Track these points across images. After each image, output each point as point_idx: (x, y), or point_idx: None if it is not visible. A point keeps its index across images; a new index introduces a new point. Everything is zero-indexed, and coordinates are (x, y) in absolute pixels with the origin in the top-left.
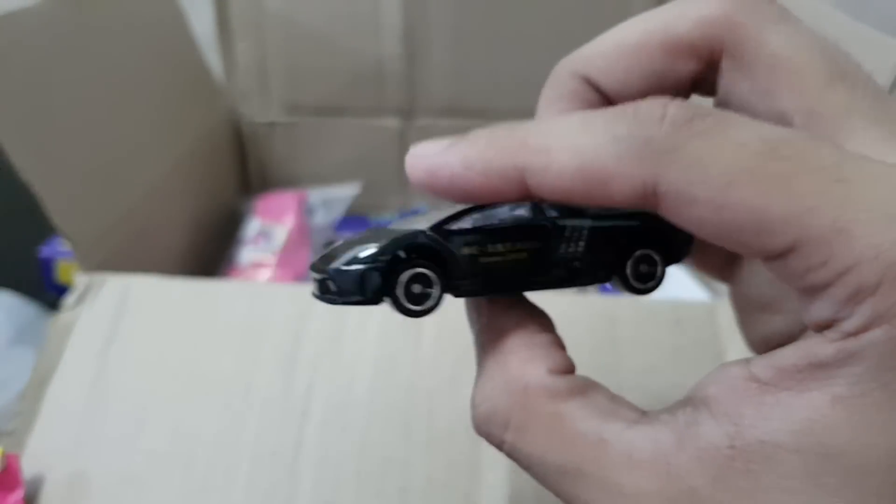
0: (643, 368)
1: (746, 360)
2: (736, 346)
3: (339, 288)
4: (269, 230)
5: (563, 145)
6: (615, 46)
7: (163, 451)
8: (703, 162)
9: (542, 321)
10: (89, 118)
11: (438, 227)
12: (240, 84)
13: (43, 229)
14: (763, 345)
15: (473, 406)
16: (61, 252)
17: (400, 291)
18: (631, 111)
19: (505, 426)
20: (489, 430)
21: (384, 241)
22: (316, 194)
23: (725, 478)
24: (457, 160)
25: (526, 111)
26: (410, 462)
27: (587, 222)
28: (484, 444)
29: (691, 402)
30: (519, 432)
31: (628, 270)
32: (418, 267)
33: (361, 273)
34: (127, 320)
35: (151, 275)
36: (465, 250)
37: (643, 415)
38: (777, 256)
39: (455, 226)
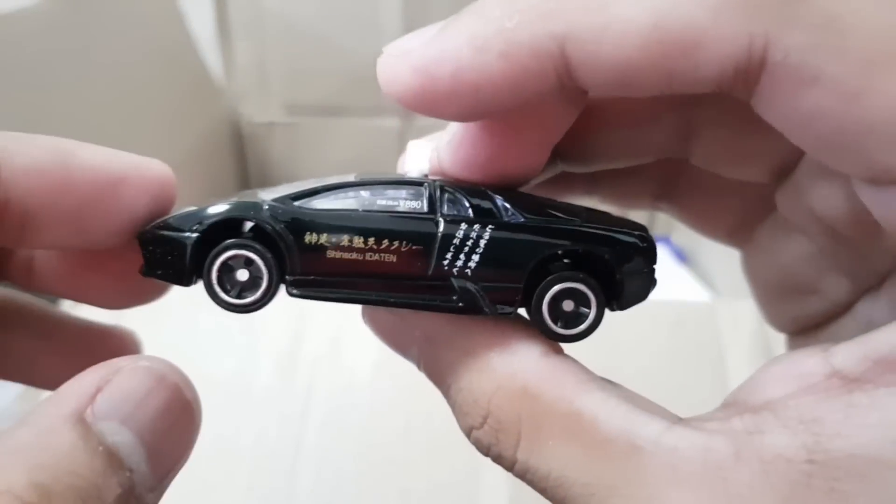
0: (643, 370)
1: (823, 351)
2: (737, 346)
3: (147, 256)
4: None
5: None
6: None
7: None
8: (841, 22)
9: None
10: (87, 118)
11: (287, 200)
12: (239, 84)
13: None
14: (791, 325)
15: (473, 428)
16: None
17: (212, 274)
18: None
19: (516, 440)
20: (499, 450)
21: (213, 208)
22: None
23: (801, 500)
24: (461, 42)
25: None
26: (410, 463)
27: (489, 225)
28: None
29: (747, 406)
30: (533, 444)
31: (544, 306)
32: (240, 248)
33: (168, 239)
34: (126, 320)
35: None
36: (310, 238)
37: (678, 418)
38: None
39: (312, 203)
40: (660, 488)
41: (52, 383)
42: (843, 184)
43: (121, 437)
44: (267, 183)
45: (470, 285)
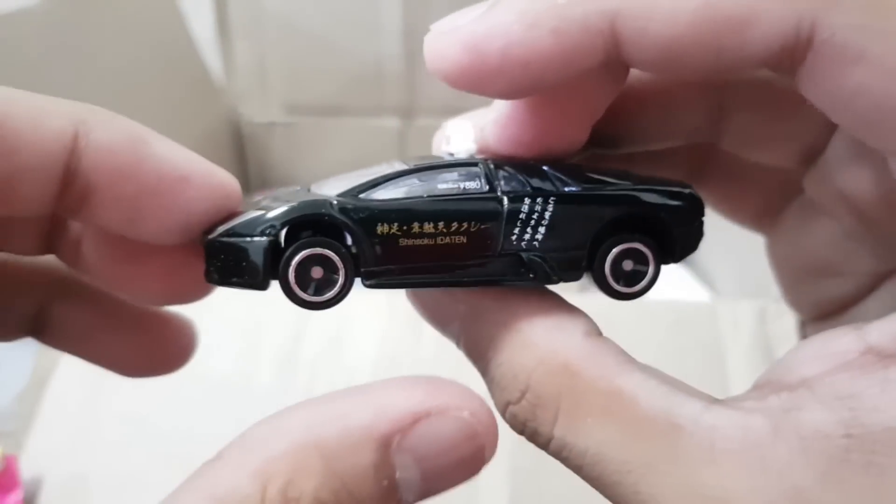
0: None
1: (856, 329)
2: (737, 346)
3: (218, 265)
4: None
5: None
6: None
7: (162, 453)
8: (886, 4)
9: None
10: None
11: (352, 195)
12: (239, 84)
13: None
14: (814, 309)
15: (510, 403)
16: None
17: (290, 275)
18: None
19: (554, 416)
20: (536, 425)
21: (278, 209)
22: None
23: (839, 474)
24: (512, 19)
25: None
26: None
27: (551, 197)
28: None
29: (783, 384)
30: (571, 421)
31: (607, 268)
32: (316, 247)
33: (239, 247)
34: None
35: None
36: (382, 229)
37: (715, 399)
38: None
39: (374, 194)
40: (698, 465)
41: (105, 360)
42: (874, 164)
43: (409, 474)
44: (267, 183)
45: (538, 256)
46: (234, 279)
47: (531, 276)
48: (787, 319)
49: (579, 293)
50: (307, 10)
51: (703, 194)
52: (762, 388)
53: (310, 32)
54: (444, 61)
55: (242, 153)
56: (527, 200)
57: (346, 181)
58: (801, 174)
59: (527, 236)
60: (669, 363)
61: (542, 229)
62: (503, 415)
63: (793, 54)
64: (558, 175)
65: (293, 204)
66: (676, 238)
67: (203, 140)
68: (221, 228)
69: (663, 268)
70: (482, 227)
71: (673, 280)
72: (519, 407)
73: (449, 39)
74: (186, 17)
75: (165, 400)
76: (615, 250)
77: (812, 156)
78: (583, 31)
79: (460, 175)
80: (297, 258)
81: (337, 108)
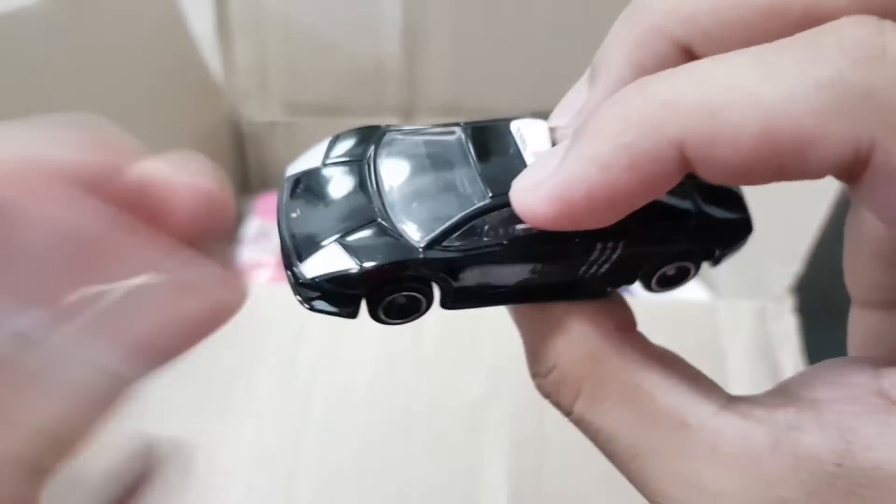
0: None
1: (874, 368)
2: (736, 347)
3: (308, 296)
4: (269, 230)
5: (736, 100)
6: (735, 7)
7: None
8: None
9: None
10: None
11: (435, 244)
12: (239, 84)
13: None
14: (868, 293)
15: (537, 375)
16: None
17: (380, 311)
18: (833, 43)
19: (575, 395)
20: (558, 398)
21: (363, 259)
22: None
23: (824, 495)
24: (587, 167)
25: (527, 112)
26: (410, 463)
27: (621, 244)
28: (484, 445)
29: (794, 400)
30: (590, 402)
31: (654, 280)
32: (406, 291)
33: (329, 292)
34: None
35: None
36: (465, 276)
37: (730, 399)
38: None
39: (455, 244)
40: (699, 462)
41: None
42: None
43: None
44: (267, 182)
45: (597, 282)
46: (326, 309)
47: (587, 294)
48: (787, 319)
49: None
50: (307, 9)
51: None
52: (778, 395)
53: (310, 32)
54: (538, 216)
55: (243, 152)
56: (598, 245)
57: (420, 213)
58: None
59: (592, 270)
60: None
61: (606, 266)
62: (533, 378)
63: (850, 172)
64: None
65: (382, 254)
66: (721, 257)
67: (203, 139)
68: (310, 257)
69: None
70: (555, 266)
71: None
72: (545, 381)
73: (534, 196)
74: (186, 16)
75: (163, 401)
76: (665, 268)
77: None
78: (655, 162)
79: None
80: (388, 298)
81: (337, 107)
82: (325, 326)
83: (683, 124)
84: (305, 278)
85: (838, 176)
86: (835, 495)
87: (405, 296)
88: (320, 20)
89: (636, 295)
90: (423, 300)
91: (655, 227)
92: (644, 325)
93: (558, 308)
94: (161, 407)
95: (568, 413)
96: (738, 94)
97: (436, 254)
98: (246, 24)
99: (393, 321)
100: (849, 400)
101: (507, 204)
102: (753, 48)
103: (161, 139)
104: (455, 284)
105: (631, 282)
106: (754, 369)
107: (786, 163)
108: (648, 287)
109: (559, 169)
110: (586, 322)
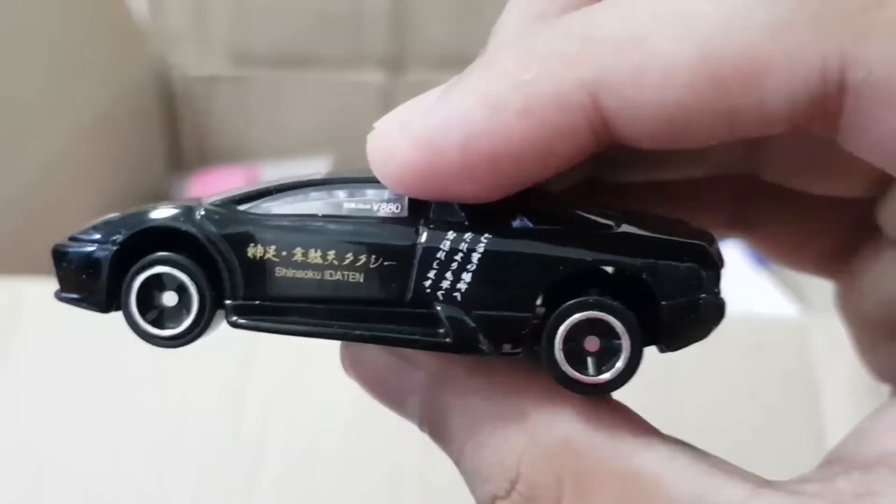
0: (709, 409)
1: None
2: (835, 375)
3: (61, 275)
4: None
5: (667, 24)
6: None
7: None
8: None
9: None
10: None
11: (228, 203)
12: (169, 24)
13: None
14: (891, 378)
15: (498, 498)
16: None
17: (131, 299)
18: None
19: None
20: None
21: (124, 216)
22: (272, 171)
23: None
24: (470, 105)
25: None
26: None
27: (484, 236)
28: None
29: (854, 461)
30: None
31: (557, 344)
32: (161, 265)
33: (77, 255)
34: (18, 339)
35: (52, 276)
36: (254, 251)
37: (764, 481)
38: None
39: (260, 207)
40: None
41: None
42: None
43: None
44: (206, 156)
45: (461, 314)
46: (74, 294)
47: (447, 340)
48: None
49: None
50: None
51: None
52: (831, 465)
53: None
54: (393, 164)
55: (173, 116)
56: (450, 233)
57: (249, 187)
58: (874, 205)
59: (445, 283)
60: (745, 399)
61: (466, 276)
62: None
63: (825, 107)
64: (515, 206)
65: (159, 209)
66: (664, 314)
67: (121, 98)
68: (75, 232)
69: (655, 353)
70: (385, 263)
71: (750, 290)
72: (510, 502)
73: (396, 138)
74: None
75: (73, 446)
76: (571, 319)
77: (885, 182)
78: (558, 110)
79: (381, 191)
80: (139, 279)
81: (301, 57)
82: (285, 346)
83: (600, 59)
84: (58, 242)
85: (812, 120)
86: None
87: (174, 282)
88: None
89: None
90: (194, 293)
91: (545, 227)
92: (710, 350)
93: (497, 386)
94: (66, 455)
95: None
96: (669, 18)
97: (223, 212)
98: None
99: (151, 330)
100: None
101: (351, 180)
102: None
103: (66, 97)
104: (244, 275)
105: (517, 339)
106: (859, 407)
107: (735, 101)
108: (558, 371)
109: (435, 105)
110: (545, 398)
